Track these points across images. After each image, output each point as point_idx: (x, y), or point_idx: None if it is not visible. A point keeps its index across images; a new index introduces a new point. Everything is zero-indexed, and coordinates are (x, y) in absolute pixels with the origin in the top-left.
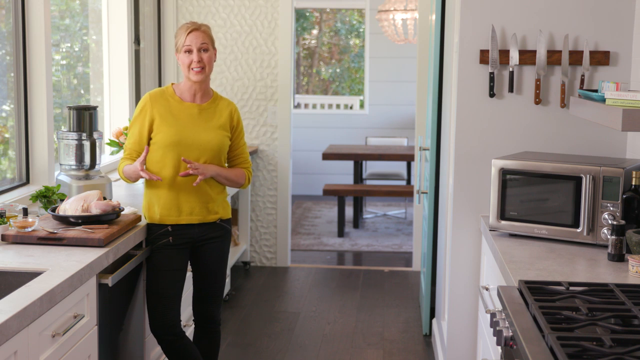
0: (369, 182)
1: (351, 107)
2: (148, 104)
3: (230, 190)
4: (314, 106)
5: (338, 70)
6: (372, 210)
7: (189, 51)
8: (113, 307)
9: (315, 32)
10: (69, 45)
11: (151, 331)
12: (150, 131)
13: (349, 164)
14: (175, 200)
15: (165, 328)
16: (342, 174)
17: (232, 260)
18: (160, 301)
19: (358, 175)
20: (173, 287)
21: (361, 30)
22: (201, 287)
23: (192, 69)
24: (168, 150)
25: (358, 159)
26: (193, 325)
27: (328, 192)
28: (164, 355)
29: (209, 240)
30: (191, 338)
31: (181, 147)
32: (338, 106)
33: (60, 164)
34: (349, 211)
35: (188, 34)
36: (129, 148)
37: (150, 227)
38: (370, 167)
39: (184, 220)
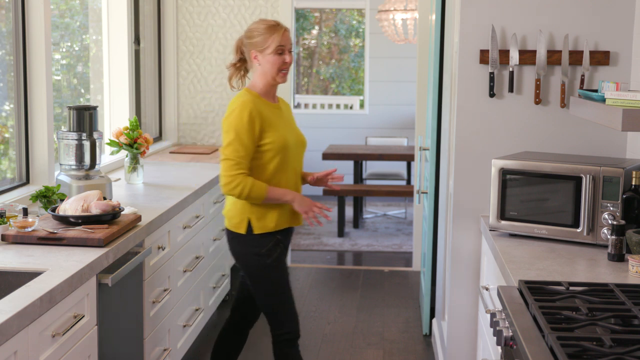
0: (369, 182)
1: (351, 107)
2: (254, 112)
3: None
4: (314, 106)
5: (338, 70)
6: (372, 210)
7: (282, 52)
8: (113, 307)
9: (315, 32)
10: (69, 44)
11: (292, 334)
12: (258, 139)
13: (349, 164)
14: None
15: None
16: (342, 174)
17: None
18: (292, 300)
19: (358, 175)
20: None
21: (361, 30)
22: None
23: (281, 70)
24: (282, 153)
25: (358, 159)
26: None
27: (328, 192)
28: (164, 356)
29: (289, 243)
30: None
31: (290, 148)
32: (338, 106)
33: (60, 164)
34: (349, 211)
35: (283, 33)
36: (243, 162)
37: (255, 238)
38: (370, 167)
39: (296, 223)
